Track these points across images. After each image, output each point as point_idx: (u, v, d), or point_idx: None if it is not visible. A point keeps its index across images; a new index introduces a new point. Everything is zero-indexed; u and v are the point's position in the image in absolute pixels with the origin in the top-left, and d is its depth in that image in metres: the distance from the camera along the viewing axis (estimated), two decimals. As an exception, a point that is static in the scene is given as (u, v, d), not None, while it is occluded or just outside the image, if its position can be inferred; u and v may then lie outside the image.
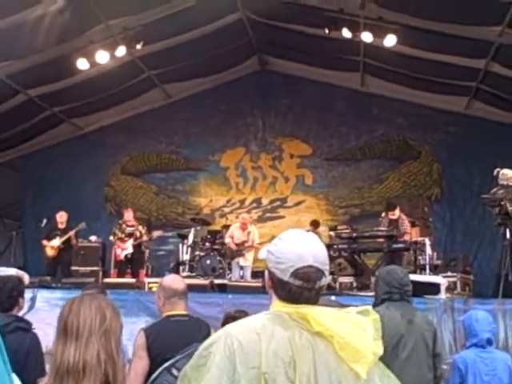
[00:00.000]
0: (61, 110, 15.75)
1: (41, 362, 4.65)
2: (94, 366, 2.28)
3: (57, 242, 13.04)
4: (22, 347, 4.49)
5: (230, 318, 6.07)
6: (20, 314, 5.16)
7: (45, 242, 13.19)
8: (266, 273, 2.28)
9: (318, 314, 2.12)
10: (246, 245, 13.09)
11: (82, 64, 12.92)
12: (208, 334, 4.48)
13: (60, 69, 13.29)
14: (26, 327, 4.69)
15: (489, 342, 5.33)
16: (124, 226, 13.22)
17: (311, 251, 2.20)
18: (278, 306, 2.21)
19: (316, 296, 2.20)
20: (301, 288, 2.16)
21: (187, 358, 4.20)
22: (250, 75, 17.29)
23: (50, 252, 13.09)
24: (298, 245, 2.22)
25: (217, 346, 2.08)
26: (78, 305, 2.40)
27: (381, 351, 2.14)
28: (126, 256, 12.94)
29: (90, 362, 2.28)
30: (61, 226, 13.30)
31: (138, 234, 13.06)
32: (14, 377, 3.19)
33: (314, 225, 14.09)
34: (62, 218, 13.36)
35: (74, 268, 13.67)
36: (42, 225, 13.53)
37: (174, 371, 4.13)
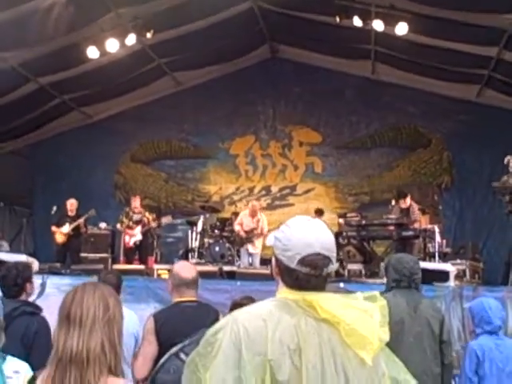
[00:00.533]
0: (71, 97, 15.78)
1: (49, 346, 4.68)
2: (97, 354, 2.29)
3: (66, 228, 13.11)
4: (29, 330, 4.52)
5: (236, 305, 6.09)
6: (30, 299, 5.19)
7: (54, 229, 13.26)
8: (273, 259, 2.30)
9: (325, 301, 2.13)
10: (255, 232, 13.10)
11: (92, 52, 12.91)
12: (216, 320, 4.49)
13: (70, 57, 13.27)
14: (33, 311, 4.72)
15: (500, 328, 5.34)
16: (131, 213, 13.27)
17: (318, 238, 2.22)
18: (284, 292, 2.22)
19: (323, 283, 2.22)
20: (308, 275, 2.17)
21: (195, 343, 4.22)
22: (260, 63, 17.26)
23: (59, 238, 13.16)
24: (305, 232, 2.23)
25: (223, 332, 2.09)
26: (81, 293, 2.40)
27: (387, 337, 2.15)
28: (134, 243, 12.99)
29: (93, 351, 2.28)
30: (71, 214, 13.36)
31: (145, 220, 13.12)
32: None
33: (318, 213, 14.10)
34: (72, 205, 13.43)
35: (83, 255, 13.74)
36: (52, 212, 13.59)
37: (182, 356, 4.16)
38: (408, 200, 12.28)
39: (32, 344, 4.50)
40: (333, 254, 2.23)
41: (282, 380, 2.01)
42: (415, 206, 12.31)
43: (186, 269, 4.82)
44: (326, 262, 2.19)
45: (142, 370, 4.34)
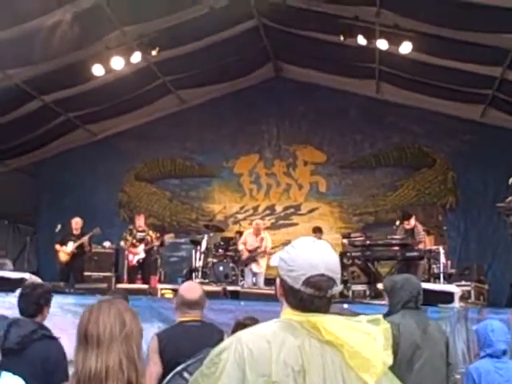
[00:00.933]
0: (76, 115, 15.83)
1: (67, 372, 4.66)
2: (116, 371, 2.29)
3: (70, 247, 13.08)
4: (50, 356, 4.50)
5: (240, 325, 6.04)
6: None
7: (58, 247, 13.22)
8: (278, 280, 2.29)
9: (329, 323, 2.13)
10: (259, 250, 13.05)
11: (98, 70, 12.97)
12: (221, 340, 4.48)
13: (75, 75, 13.34)
14: (51, 335, 4.70)
15: (504, 352, 5.28)
16: (135, 231, 13.25)
17: (323, 259, 2.21)
18: (288, 313, 2.22)
19: (327, 304, 2.21)
20: (312, 296, 2.17)
21: (199, 362, 4.20)
22: (264, 82, 17.30)
23: (63, 257, 13.12)
24: (311, 253, 2.23)
25: (227, 352, 2.09)
26: (96, 312, 2.40)
27: (390, 361, 2.14)
28: (138, 261, 12.96)
29: (112, 368, 2.28)
30: (75, 232, 13.34)
31: (149, 239, 13.09)
32: None
33: (317, 231, 14.11)
34: (77, 224, 13.41)
35: (87, 273, 13.70)
36: (57, 230, 13.59)
37: (186, 375, 4.14)
38: (412, 221, 12.24)
39: (53, 370, 4.47)
40: (337, 276, 2.23)
41: None
42: (420, 227, 12.27)
43: (189, 290, 4.82)
44: (331, 283, 2.19)
45: None
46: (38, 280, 9.75)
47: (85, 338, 2.35)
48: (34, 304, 4.79)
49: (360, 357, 2.09)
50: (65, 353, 4.58)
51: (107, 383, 2.27)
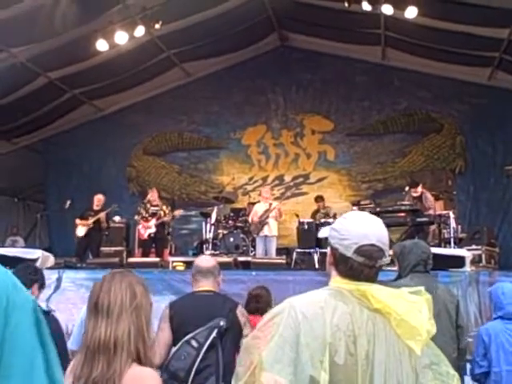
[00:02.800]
0: (81, 91, 15.82)
1: (65, 345, 4.71)
2: (124, 342, 2.31)
3: (88, 221, 13.22)
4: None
5: (253, 297, 6.11)
6: (46, 294, 5.21)
7: (78, 221, 13.37)
8: (328, 249, 2.38)
9: (377, 292, 2.21)
10: (269, 214, 12.99)
11: (102, 45, 12.91)
12: (232, 311, 4.54)
13: (79, 51, 13.31)
14: (45, 310, 4.74)
15: (516, 314, 5.30)
16: (149, 205, 13.30)
17: (375, 231, 2.31)
18: (338, 282, 2.31)
19: (375, 274, 2.30)
20: (362, 265, 2.26)
21: (207, 330, 4.28)
22: (269, 52, 17.21)
23: (80, 231, 13.24)
24: (363, 224, 2.33)
25: (280, 317, 2.16)
26: (108, 282, 2.42)
27: (434, 330, 2.23)
28: (149, 235, 13.03)
29: (120, 339, 2.30)
30: (96, 208, 13.48)
31: (161, 213, 13.15)
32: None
33: (319, 200, 14.14)
34: (99, 201, 13.56)
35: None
36: (66, 206, 13.64)
37: (194, 343, 4.21)
38: (419, 189, 12.20)
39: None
40: (386, 248, 2.32)
41: (339, 363, 2.08)
42: (428, 194, 12.23)
43: (203, 259, 4.96)
44: (381, 254, 2.27)
45: (154, 358, 4.36)
46: (51, 257, 9.86)
47: (95, 307, 2.38)
48: (28, 275, 4.84)
49: (406, 325, 2.17)
50: (61, 326, 4.63)
51: (115, 353, 2.29)
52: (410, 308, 2.20)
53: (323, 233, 2.49)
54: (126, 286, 2.40)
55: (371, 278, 2.27)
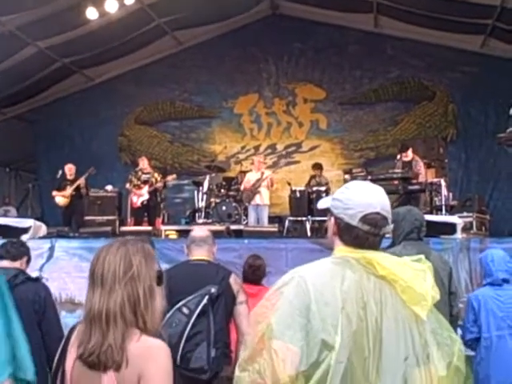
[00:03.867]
0: (71, 60, 15.70)
1: (56, 311, 4.75)
2: (117, 313, 2.28)
3: (67, 191, 13.20)
4: (37, 296, 4.57)
5: (251, 266, 6.15)
6: (39, 264, 5.24)
7: (55, 193, 13.37)
8: (332, 220, 2.39)
9: (383, 259, 2.24)
10: (261, 183, 13.02)
11: (92, 13, 12.82)
12: (225, 279, 4.57)
13: (69, 19, 13.19)
14: (34, 277, 4.77)
15: (504, 281, 5.34)
16: (140, 173, 13.31)
17: (378, 199, 2.35)
18: (343, 251, 2.33)
19: (379, 242, 2.34)
20: (367, 233, 2.29)
21: (199, 297, 4.32)
22: (261, 20, 17.08)
23: (61, 202, 13.25)
24: (367, 193, 2.36)
25: (288, 287, 2.17)
26: (105, 252, 2.39)
27: (438, 296, 2.27)
28: (142, 203, 13.04)
29: (113, 310, 2.28)
30: (70, 178, 13.43)
31: (153, 180, 13.16)
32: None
33: (317, 167, 14.11)
34: (70, 170, 13.53)
35: (91, 218, 13.74)
36: (58, 176, 13.60)
37: (185, 310, 4.25)
38: (410, 153, 12.22)
39: (43, 310, 4.54)
40: (389, 216, 2.37)
41: (351, 329, 2.09)
42: (418, 159, 12.26)
43: (197, 229, 5.03)
44: (385, 222, 2.32)
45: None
46: (43, 226, 9.87)
47: (92, 277, 2.36)
48: (19, 247, 4.87)
49: (412, 291, 2.21)
50: (51, 292, 4.66)
51: (108, 324, 2.27)
52: (414, 275, 2.23)
53: (323, 203, 2.48)
54: (122, 255, 2.36)
55: (375, 246, 2.30)
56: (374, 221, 2.27)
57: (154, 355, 2.28)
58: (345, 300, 2.11)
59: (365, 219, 2.27)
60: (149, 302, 2.35)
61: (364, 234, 2.28)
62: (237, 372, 2.19)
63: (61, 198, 13.26)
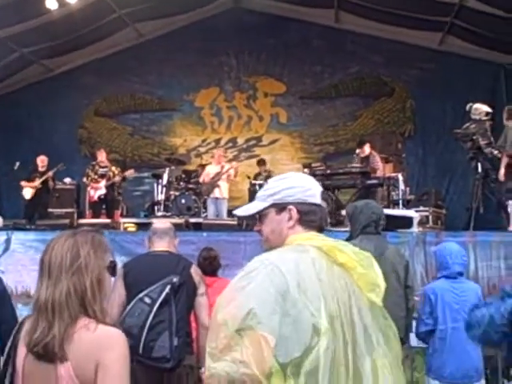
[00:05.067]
0: (31, 50, 15.47)
1: (11, 304, 4.72)
2: (62, 304, 2.27)
3: (36, 182, 13.07)
4: None
5: (206, 258, 6.20)
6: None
7: (24, 183, 13.20)
8: (291, 210, 2.30)
9: (343, 247, 2.24)
10: (221, 176, 13.05)
11: (51, 3, 12.67)
12: (186, 269, 4.62)
13: (29, 8, 13.02)
14: None
15: (460, 274, 5.43)
16: (97, 167, 13.23)
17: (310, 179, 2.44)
18: (302, 239, 2.27)
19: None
20: (324, 210, 2.37)
21: (160, 286, 4.35)
22: (223, 13, 17.01)
23: (27, 193, 13.09)
24: (303, 176, 2.44)
25: (259, 273, 2.06)
26: (54, 242, 2.38)
27: (385, 284, 2.30)
28: (99, 197, 12.97)
29: (58, 300, 2.27)
30: (41, 170, 13.30)
31: (111, 174, 13.09)
32: None
33: (261, 164, 14.29)
34: (42, 162, 13.40)
35: (50, 210, 13.64)
36: (15, 167, 13.44)
37: (147, 299, 4.28)
38: (366, 148, 12.36)
39: (2, 300, 4.52)
40: None
41: (331, 315, 2.05)
42: (375, 155, 12.40)
43: (159, 222, 5.16)
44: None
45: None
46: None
47: (40, 268, 2.36)
48: None
49: (367, 278, 2.23)
50: (4, 283, 4.65)
51: (53, 315, 2.27)
52: (367, 262, 2.26)
53: (251, 209, 2.38)
54: (70, 245, 2.35)
55: (327, 223, 2.34)
56: (324, 197, 2.32)
57: (110, 344, 2.28)
58: (321, 286, 2.07)
59: (322, 197, 2.32)
60: (97, 293, 2.34)
61: (324, 211, 2.33)
62: (210, 363, 2.00)
63: (28, 189, 13.11)
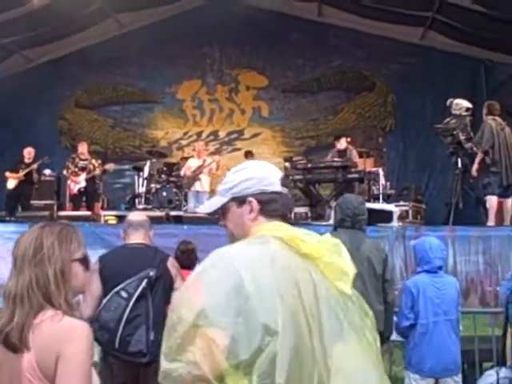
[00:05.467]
0: (11, 41, 15.30)
1: None
2: (23, 293, 2.28)
3: (20, 174, 13.00)
4: None
5: (184, 252, 6.20)
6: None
7: (8, 174, 13.12)
8: (252, 201, 2.25)
9: (306, 237, 2.16)
10: (202, 169, 13.05)
11: (32, -7, 12.58)
12: (163, 262, 4.62)
13: (9, -2, 12.91)
14: None
15: (439, 268, 5.48)
16: (77, 159, 13.16)
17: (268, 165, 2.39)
18: (265, 229, 2.21)
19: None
20: (286, 196, 2.32)
21: (137, 280, 4.34)
22: (207, 5, 16.88)
23: (11, 184, 13.01)
24: (261, 164, 2.38)
25: (214, 269, 2.01)
26: (22, 235, 2.40)
27: (355, 269, 2.21)
28: (79, 190, 12.91)
29: (20, 290, 2.28)
30: (27, 161, 13.22)
31: (91, 167, 13.03)
32: None
33: (249, 156, 14.31)
34: (29, 153, 13.29)
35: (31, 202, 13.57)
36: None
37: (123, 293, 4.26)
38: (343, 142, 12.43)
39: None
40: None
41: (290, 310, 1.96)
42: (352, 149, 12.45)
43: (135, 214, 5.16)
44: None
45: (86, 309, 4.40)
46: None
47: (12, 260, 2.38)
48: None
49: (334, 267, 2.15)
50: None
51: (14, 304, 2.28)
52: (334, 250, 2.19)
53: (212, 205, 2.34)
54: (34, 237, 2.36)
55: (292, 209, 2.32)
56: (284, 183, 2.27)
57: (72, 336, 2.26)
58: (278, 280, 1.98)
59: (282, 183, 2.28)
60: (61, 285, 2.33)
61: (285, 198, 2.29)
62: (164, 364, 1.96)
63: (12, 181, 13.04)
